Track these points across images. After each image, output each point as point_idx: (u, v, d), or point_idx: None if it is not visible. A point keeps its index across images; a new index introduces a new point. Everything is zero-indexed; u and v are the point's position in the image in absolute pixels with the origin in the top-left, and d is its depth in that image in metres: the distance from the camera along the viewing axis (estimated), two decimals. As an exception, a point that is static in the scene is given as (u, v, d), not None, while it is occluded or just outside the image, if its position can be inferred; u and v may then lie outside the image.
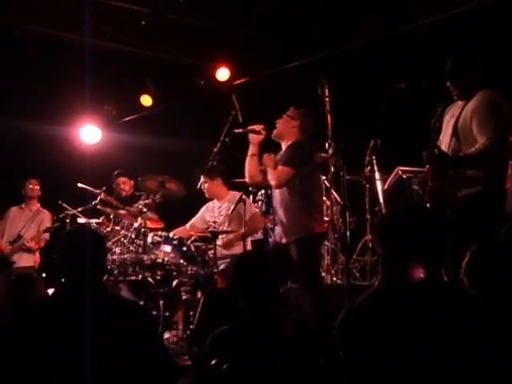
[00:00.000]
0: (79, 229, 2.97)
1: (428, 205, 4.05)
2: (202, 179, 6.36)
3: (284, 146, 5.12)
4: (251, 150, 5.15)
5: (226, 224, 6.21)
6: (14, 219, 7.27)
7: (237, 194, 6.20)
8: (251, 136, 5.15)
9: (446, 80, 4.26)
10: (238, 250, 5.98)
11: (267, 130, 5.14)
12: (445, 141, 4.24)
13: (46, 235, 7.10)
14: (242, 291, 2.93)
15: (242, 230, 5.90)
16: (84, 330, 2.54)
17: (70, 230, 2.96)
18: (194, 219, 6.53)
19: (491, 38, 5.66)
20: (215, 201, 6.48)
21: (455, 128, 4.14)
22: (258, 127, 5.14)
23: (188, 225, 6.48)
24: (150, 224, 6.19)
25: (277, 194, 5.06)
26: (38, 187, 7.34)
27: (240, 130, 5.22)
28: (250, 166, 5.17)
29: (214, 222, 6.34)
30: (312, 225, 4.89)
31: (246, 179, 5.32)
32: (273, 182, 5.00)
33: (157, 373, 2.72)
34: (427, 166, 4.24)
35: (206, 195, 6.47)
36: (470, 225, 3.84)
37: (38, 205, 7.36)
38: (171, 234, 6.02)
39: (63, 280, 2.79)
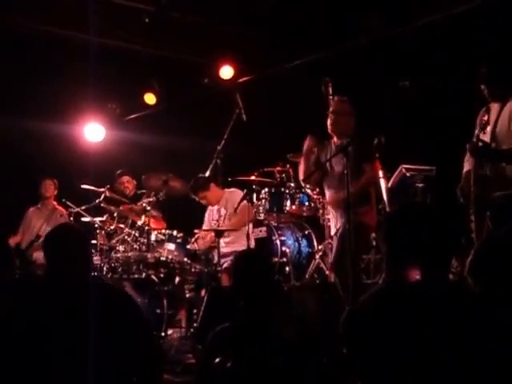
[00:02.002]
0: (61, 231, 3.03)
1: (472, 210, 4.18)
2: (200, 196, 6.29)
3: (340, 140, 5.05)
4: None
5: (227, 222, 6.22)
6: (32, 219, 7.40)
7: (234, 191, 6.21)
8: None
9: (481, 84, 4.35)
10: (240, 246, 5.99)
11: None
12: None
13: None
14: (243, 290, 2.92)
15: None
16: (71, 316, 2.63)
17: (53, 232, 3.01)
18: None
19: (491, 39, 5.64)
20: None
21: (493, 134, 4.22)
22: None
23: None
24: (152, 224, 6.18)
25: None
26: (53, 187, 7.43)
27: None
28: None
29: (216, 223, 6.35)
30: None
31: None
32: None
33: (143, 360, 2.76)
34: (464, 171, 4.32)
35: (211, 206, 6.40)
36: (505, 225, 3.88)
37: (54, 203, 7.43)
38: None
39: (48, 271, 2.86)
